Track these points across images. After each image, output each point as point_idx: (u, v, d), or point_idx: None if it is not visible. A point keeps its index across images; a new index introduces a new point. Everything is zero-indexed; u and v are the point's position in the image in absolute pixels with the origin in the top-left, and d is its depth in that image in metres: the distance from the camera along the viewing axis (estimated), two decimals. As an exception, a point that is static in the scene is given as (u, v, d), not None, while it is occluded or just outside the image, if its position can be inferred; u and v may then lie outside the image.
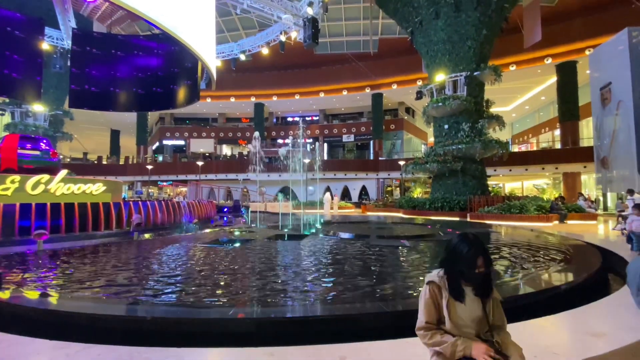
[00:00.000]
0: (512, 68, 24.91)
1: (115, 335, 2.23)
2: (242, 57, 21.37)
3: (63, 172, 9.17)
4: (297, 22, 16.96)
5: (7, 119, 25.77)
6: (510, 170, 24.86)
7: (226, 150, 41.40)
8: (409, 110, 37.69)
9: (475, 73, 17.32)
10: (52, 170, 9.42)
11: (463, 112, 17.42)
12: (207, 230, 10.07)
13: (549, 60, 23.87)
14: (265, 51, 20.98)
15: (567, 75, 23.79)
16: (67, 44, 19.29)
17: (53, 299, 3.27)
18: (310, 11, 15.98)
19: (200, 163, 31.22)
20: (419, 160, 18.99)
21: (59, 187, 8.90)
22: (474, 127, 17.27)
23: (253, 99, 35.14)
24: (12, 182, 8.40)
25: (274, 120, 40.74)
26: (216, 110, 39.18)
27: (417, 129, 38.11)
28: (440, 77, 18.07)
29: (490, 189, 20.12)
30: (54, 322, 2.53)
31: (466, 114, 17.43)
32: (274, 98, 34.83)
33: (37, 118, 25.24)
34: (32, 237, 6.21)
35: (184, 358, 1.83)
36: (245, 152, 37.08)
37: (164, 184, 35.85)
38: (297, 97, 34.38)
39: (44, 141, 10.67)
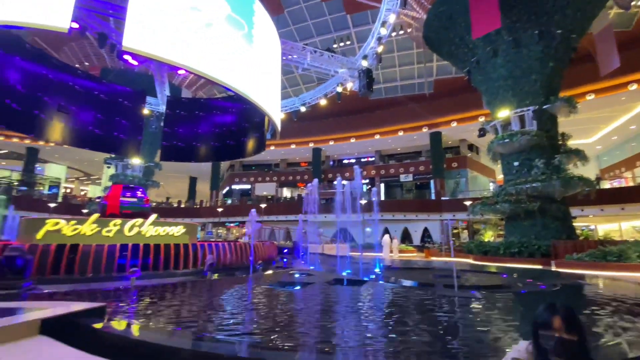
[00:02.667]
0: (590, 97, 22.67)
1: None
2: (303, 108, 23.22)
3: (153, 217, 10.63)
4: (352, 74, 18.14)
5: (111, 170, 31.03)
6: (602, 210, 21.52)
7: (286, 192, 43.49)
8: (471, 147, 35.92)
9: (544, 106, 16.17)
10: (145, 215, 10.98)
11: (534, 148, 16.09)
12: (270, 272, 10.46)
13: (634, 87, 21.27)
14: (323, 102, 22.55)
15: (662, 100, 20.78)
16: (162, 108, 23.19)
17: (147, 331, 3.74)
18: (364, 63, 17.05)
19: (263, 205, 33.14)
20: (487, 200, 17.64)
21: (149, 229, 10.29)
22: (550, 163, 15.71)
23: (311, 145, 37.14)
24: (115, 225, 10.00)
25: (331, 163, 42.10)
26: (278, 156, 42.11)
27: (482, 166, 35.78)
28: (504, 113, 17.23)
29: (578, 232, 17.53)
30: (147, 353, 2.91)
31: (538, 150, 16.05)
32: (331, 142, 36.38)
33: (134, 169, 29.92)
34: (128, 274, 7.20)
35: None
36: (303, 194, 38.47)
37: (231, 225, 38.50)
38: (352, 140, 35.43)
39: (140, 190, 12.62)
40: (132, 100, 20.23)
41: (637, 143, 28.24)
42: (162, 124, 22.21)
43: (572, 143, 17.45)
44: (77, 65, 24.90)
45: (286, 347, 3.24)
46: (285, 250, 20.58)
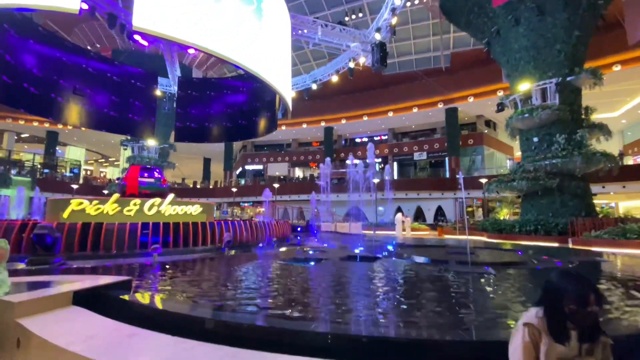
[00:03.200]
0: (617, 68, 21.36)
1: (220, 336, 2.63)
2: (314, 86, 22.82)
3: (171, 196, 10.95)
4: (365, 48, 17.57)
5: (128, 152, 31.78)
6: (624, 187, 20.78)
7: (298, 172, 43.71)
8: (489, 123, 34.79)
9: (568, 79, 15.35)
10: (162, 195, 11.32)
11: (556, 123, 15.47)
12: (284, 249, 10.74)
13: (667, 55, 19.83)
14: (334, 79, 22.07)
15: (697, 69, 19.37)
16: (174, 89, 23.25)
17: (170, 302, 3.96)
18: (378, 37, 16.44)
19: (276, 185, 33.51)
20: (504, 177, 17.26)
21: (168, 208, 10.63)
22: (572, 139, 15.12)
23: (323, 124, 36.77)
24: (135, 204, 10.36)
25: (343, 142, 41.75)
26: (290, 136, 42.00)
27: (499, 143, 34.76)
28: (524, 86, 16.49)
29: (598, 209, 17.07)
30: (172, 321, 3.09)
31: (560, 125, 15.42)
32: (343, 121, 35.89)
33: (150, 151, 30.54)
34: (150, 250, 7.54)
35: (275, 362, 2.09)
36: (315, 175, 38.57)
37: (246, 204, 39.28)
38: (365, 118, 34.84)
39: (157, 170, 12.93)
40: (144, 81, 20.34)
41: (666, 116, 26.71)
42: (174, 105, 22.36)
43: (595, 117, 16.65)
44: (88, 47, 25.03)
45: (301, 317, 3.38)
46: (299, 229, 20.96)
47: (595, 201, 16.59)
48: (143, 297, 4.05)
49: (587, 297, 1.32)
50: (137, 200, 10.37)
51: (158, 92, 22.50)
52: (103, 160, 52.48)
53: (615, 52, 20.72)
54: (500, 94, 22.33)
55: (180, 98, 20.37)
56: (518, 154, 20.50)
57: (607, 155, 14.76)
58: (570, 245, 12.82)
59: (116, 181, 32.68)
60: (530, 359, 1.39)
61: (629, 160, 26.16)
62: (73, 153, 42.27)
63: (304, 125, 37.54)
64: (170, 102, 24.86)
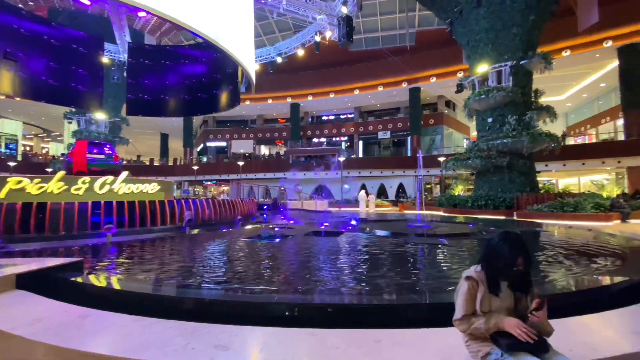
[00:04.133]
0: (566, 54, 22.95)
1: (180, 313, 2.58)
2: (279, 59, 22.04)
3: (124, 174, 10.23)
4: (331, 22, 17.14)
5: (74, 126, 29.01)
6: (564, 165, 22.99)
7: (264, 150, 42.87)
8: (449, 103, 36.21)
9: (521, 62, 16.25)
10: (115, 172, 10.55)
11: (509, 104, 16.47)
12: (249, 226, 10.65)
13: (609, 43, 21.64)
14: (300, 52, 21.44)
15: (630, 58, 21.43)
16: (123, 57, 21.24)
17: (127, 281, 3.79)
18: (344, 10, 16.07)
19: (240, 163, 32.68)
20: (460, 156, 18.28)
21: (121, 187, 9.96)
22: (521, 120, 16.26)
23: (289, 100, 35.98)
24: (83, 182, 9.57)
25: (309, 119, 41.35)
26: (255, 112, 40.68)
27: (458, 123, 36.49)
28: (482, 68, 17.22)
29: (541, 185, 18.78)
30: (128, 301, 2.98)
31: (512, 106, 16.45)
32: (309, 98, 35.37)
33: (99, 125, 28.10)
34: (103, 230, 7.08)
35: (238, 333, 2.11)
36: (282, 152, 38.10)
37: (208, 183, 38.05)
38: (331, 95, 34.59)
39: (108, 146, 11.95)
40: (89, 46, 18.34)
41: (604, 101, 29.51)
42: (124, 74, 20.49)
43: (543, 100, 17.95)
44: (20, 5, 21.80)
45: (265, 290, 3.42)
46: (265, 207, 20.83)
47: (538, 178, 18.22)
48: (97, 279, 3.84)
49: (515, 258, 1.53)
50: (87, 178, 9.57)
51: (105, 60, 20.42)
52: (45, 135, 47.45)
53: (566, 38, 22.17)
54: (460, 75, 23.14)
55: (131, 67, 18.67)
56: (474, 133, 21.72)
57: (551, 136, 16.12)
58: (515, 218, 14.13)
59: (61, 158, 29.88)
60: (469, 305, 1.60)
61: (570, 141, 28.83)
62: (8, 126, 37.69)
63: (270, 101, 36.47)
64: (120, 71, 22.75)
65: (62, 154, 30.66)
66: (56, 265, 3.75)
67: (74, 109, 26.27)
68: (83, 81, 18.15)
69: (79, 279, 3.50)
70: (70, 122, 29.06)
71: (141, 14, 15.01)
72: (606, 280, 3.62)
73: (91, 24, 22.99)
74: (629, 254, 5.02)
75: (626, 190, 18.95)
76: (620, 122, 24.16)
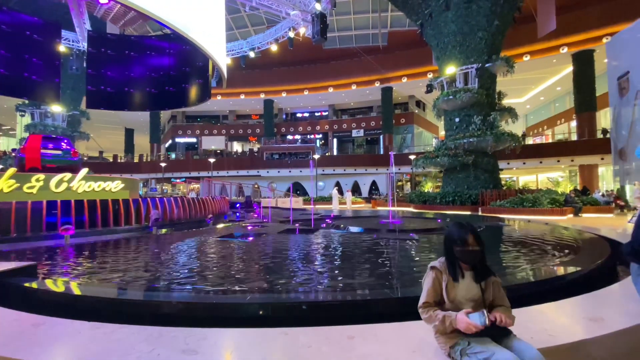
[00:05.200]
0: (526, 58, 24.38)
1: (145, 318, 2.45)
2: (252, 54, 21.61)
3: (84, 171, 9.59)
4: (305, 18, 17.03)
5: (27, 119, 26.76)
6: (524, 163, 24.47)
7: (237, 147, 41.94)
8: (419, 103, 37.33)
9: (486, 65, 17.05)
10: (74, 169, 9.86)
11: (474, 105, 17.23)
12: (221, 225, 10.38)
13: (565, 50, 23.26)
14: (274, 48, 21.14)
15: (583, 64, 23.17)
16: (83, 45, 19.87)
17: (86, 286, 3.54)
18: (318, 7, 16.01)
19: (212, 160, 31.76)
20: (429, 154, 18.90)
21: (81, 184, 9.33)
22: (486, 120, 17.07)
23: (262, 96, 35.43)
24: (37, 180, 8.86)
25: (284, 116, 40.97)
26: (227, 107, 39.65)
27: (428, 123, 37.75)
28: (450, 69, 17.87)
29: (503, 182, 19.86)
30: (88, 307, 2.78)
31: (477, 107, 17.23)
32: (283, 94, 35.03)
33: (56, 118, 26.13)
34: (60, 231, 6.58)
35: (207, 336, 2.03)
36: (255, 149, 37.48)
37: (177, 181, 36.66)
38: (306, 92, 34.48)
39: (65, 141, 11.13)
40: (44, 33, 16.99)
41: (560, 104, 31.72)
42: (84, 64, 19.17)
43: (506, 102, 18.97)
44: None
45: (236, 291, 3.33)
46: (238, 205, 20.40)
47: (501, 175, 19.26)
48: (53, 283, 3.56)
49: (466, 238, 1.66)
50: (41, 176, 8.85)
51: (62, 48, 19.00)
52: (-8, 128, 43.39)
53: (526, 43, 23.53)
54: (430, 76, 23.92)
55: (91, 56, 17.50)
56: (442, 133, 22.60)
57: (513, 136, 17.07)
58: (480, 213, 14.86)
59: (12, 153, 27.50)
60: (430, 294, 1.71)
61: (530, 141, 30.74)
62: (-52, 118, 34.10)
63: (242, 97, 35.68)
64: (79, 61, 21.26)
65: (14, 150, 28.23)
66: (6, 270, 3.46)
67: (27, 101, 24.23)
68: (37, 71, 16.78)
69: (33, 285, 3.23)
70: (23, 115, 26.76)
71: (102, 0, 14.06)
72: (562, 270, 3.89)
73: (47, 9, 21.22)
74: (581, 246, 5.43)
75: (578, 187, 20.54)
76: (573, 123, 26.09)
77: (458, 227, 1.72)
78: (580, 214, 13.04)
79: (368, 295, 2.99)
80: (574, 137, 24.93)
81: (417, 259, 5.09)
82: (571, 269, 3.79)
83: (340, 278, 3.85)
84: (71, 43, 21.27)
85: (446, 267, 1.73)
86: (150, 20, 15.80)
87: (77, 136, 27.96)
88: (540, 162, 24.36)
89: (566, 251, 5.11)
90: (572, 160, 23.38)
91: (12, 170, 8.77)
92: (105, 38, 18.76)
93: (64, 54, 20.20)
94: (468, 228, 1.69)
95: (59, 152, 10.54)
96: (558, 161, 23.90)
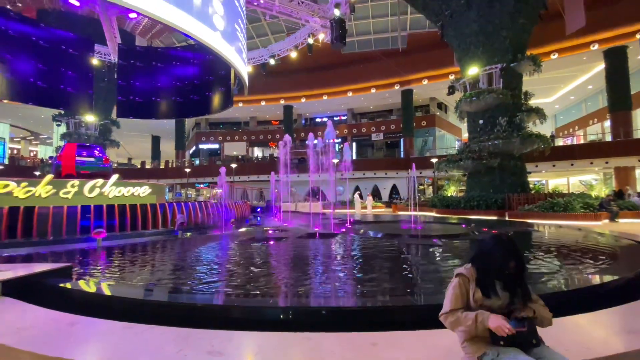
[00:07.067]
0: (554, 57, 23.36)
1: (173, 319, 2.53)
2: (272, 61, 22.00)
3: (114, 177, 10.08)
4: (324, 24, 17.18)
5: (62, 128, 28.46)
6: (554, 165, 23.34)
7: (258, 152, 42.64)
8: (441, 105, 36.54)
9: (511, 64, 16.48)
10: (105, 175, 10.39)
11: (499, 106, 16.67)
12: (243, 230, 10.56)
13: (596, 46, 22.11)
14: (293, 54, 21.44)
15: (616, 61, 21.92)
16: (114, 58, 20.95)
17: (119, 287, 3.71)
18: (337, 12, 16.12)
19: (233, 165, 32.44)
20: (452, 157, 18.42)
21: (112, 190, 9.81)
22: (512, 122, 16.46)
23: (282, 102, 35.91)
24: (72, 186, 9.39)
25: (303, 121, 41.31)
26: (248, 114, 40.48)
27: (450, 125, 36.85)
28: (473, 70, 17.41)
29: (531, 186, 19.04)
30: (120, 307, 2.91)
31: (503, 108, 16.66)
32: (303, 100, 35.34)
33: (89, 127, 27.64)
34: (92, 235, 6.94)
35: (232, 338, 2.07)
36: (275, 154, 37.95)
37: (201, 185, 37.68)
38: (325, 97, 34.62)
39: (98, 149, 11.76)
40: (78, 48, 18.04)
41: (592, 103, 30.11)
42: (115, 76, 20.22)
43: (533, 102, 18.23)
44: (8, 7, 21.38)
45: (260, 294, 3.38)
46: (259, 209, 20.69)
47: (529, 179, 18.47)
48: (87, 284, 3.75)
49: (507, 262, 1.53)
50: (76, 182, 9.39)
51: (95, 61, 20.13)
52: (32, 137, 46.51)
53: (554, 41, 22.55)
54: (452, 77, 23.36)
55: (122, 68, 18.43)
56: (466, 135, 21.98)
57: (541, 137, 16.35)
58: (507, 218, 14.28)
59: (49, 161, 29.31)
60: (458, 301, 1.60)
61: (559, 142, 29.32)
62: (-6, 129, 36.90)
63: (263, 103, 36.34)
64: (110, 73, 22.44)
65: (51, 157, 30.09)
66: (44, 271, 3.66)
67: (63, 112, 25.81)
68: (72, 83, 17.82)
69: (68, 285, 3.42)
70: (59, 125, 28.53)
71: (132, 15, 14.82)
72: (598, 279, 3.67)
73: (81, 25, 22.64)
74: (619, 253, 5.10)
75: (615, 189, 19.33)
76: (607, 123, 24.66)
77: (499, 244, 1.56)
78: (616, 219, 12.26)
79: (391, 302, 2.95)
80: (609, 138, 23.55)
81: (442, 265, 4.96)
82: (608, 278, 3.57)
83: (362, 284, 3.82)
84: (103, 56, 22.52)
85: (474, 275, 1.63)
86: (176, 32, 16.47)
87: (108, 144, 29.42)
88: (572, 165, 23.13)
89: (602, 258, 4.82)
90: (607, 162, 22.05)
91: (49, 176, 9.36)
92: (134, 50, 19.71)
93: (97, 66, 21.39)
94: (511, 247, 1.54)
95: (92, 159, 11.15)
96: (591, 163, 22.60)
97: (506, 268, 1.53)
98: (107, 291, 3.37)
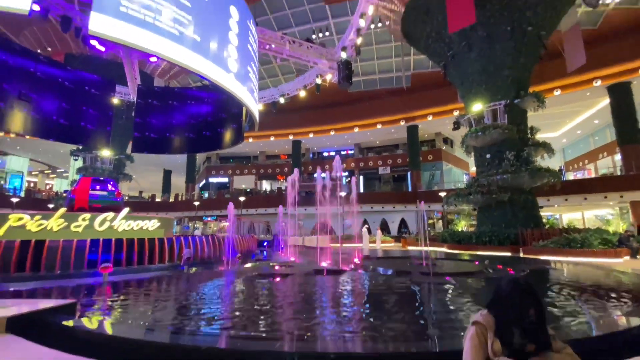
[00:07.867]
0: (557, 93, 23.84)
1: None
2: (282, 100, 22.93)
3: (125, 210, 10.22)
4: (331, 66, 18.07)
5: (79, 163, 29.46)
6: (566, 200, 22.88)
7: (266, 185, 43.05)
8: (446, 140, 36.99)
9: (515, 101, 16.83)
10: (116, 209, 10.55)
11: (505, 141, 16.77)
12: (249, 265, 10.38)
13: (598, 82, 22.57)
14: (302, 94, 22.35)
15: (621, 96, 22.22)
16: (133, 97, 22.13)
17: (123, 326, 3.62)
18: (344, 55, 17.01)
19: (242, 198, 32.66)
20: (461, 191, 18.25)
21: (121, 223, 9.90)
22: (519, 156, 16.45)
23: (291, 137, 36.87)
24: (84, 219, 9.54)
25: (311, 155, 42.03)
26: (257, 148, 41.49)
27: (456, 159, 37.00)
28: (477, 106, 17.79)
29: (544, 220, 18.55)
30: (124, 348, 2.82)
31: (509, 143, 16.75)
32: (310, 135, 36.26)
33: (104, 162, 28.54)
34: (99, 270, 6.91)
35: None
36: (283, 188, 38.24)
37: (209, 219, 37.76)
38: (332, 133, 35.48)
39: (111, 183, 12.07)
40: (101, 88, 19.15)
41: (599, 137, 30.10)
42: (132, 114, 21.23)
43: (539, 136, 18.32)
44: (38, 51, 23.25)
45: (265, 337, 3.25)
46: (265, 243, 20.45)
47: (542, 213, 18.04)
48: (90, 323, 3.68)
49: (527, 310, 1.46)
50: (87, 215, 9.55)
51: (115, 101, 21.30)
52: (49, 171, 48.13)
53: (557, 78, 23.13)
54: (456, 113, 23.90)
55: (139, 107, 19.39)
56: (473, 169, 21.97)
57: (551, 171, 16.20)
58: (522, 254, 13.75)
59: (64, 194, 30.04)
60: (478, 353, 1.50)
61: (570, 176, 28.95)
62: (15, 163, 38.38)
63: (272, 138, 37.35)
64: (128, 111, 23.60)
65: (65, 191, 30.89)
66: (48, 308, 3.62)
67: (81, 147, 26.87)
68: (93, 120, 18.68)
69: (71, 323, 3.36)
70: (76, 159, 29.61)
71: (152, 59, 15.92)
72: (625, 322, 3.44)
73: (105, 67, 24.28)
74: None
75: (633, 226, 18.66)
76: (618, 157, 24.42)
77: (516, 289, 1.51)
78: (638, 256, 11.71)
79: (403, 348, 2.80)
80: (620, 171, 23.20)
81: (455, 305, 4.73)
82: (637, 321, 3.35)
83: (371, 327, 3.65)
84: (123, 95, 23.85)
85: (491, 323, 1.54)
86: (192, 74, 17.46)
87: (121, 177, 30.15)
88: (585, 199, 22.64)
89: (628, 299, 4.55)
90: (622, 196, 21.53)
91: (62, 210, 9.55)
92: (153, 90, 20.85)
93: (117, 105, 22.59)
94: (530, 298, 1.48)
95: (105, 193, 11.41)
96: (605, 197, 22.09)
97: (525, 316, 1.46)
98: (109, 331, 3.30)
